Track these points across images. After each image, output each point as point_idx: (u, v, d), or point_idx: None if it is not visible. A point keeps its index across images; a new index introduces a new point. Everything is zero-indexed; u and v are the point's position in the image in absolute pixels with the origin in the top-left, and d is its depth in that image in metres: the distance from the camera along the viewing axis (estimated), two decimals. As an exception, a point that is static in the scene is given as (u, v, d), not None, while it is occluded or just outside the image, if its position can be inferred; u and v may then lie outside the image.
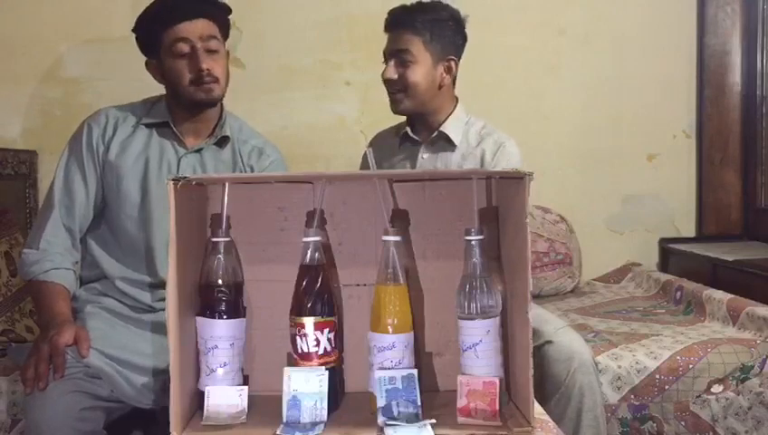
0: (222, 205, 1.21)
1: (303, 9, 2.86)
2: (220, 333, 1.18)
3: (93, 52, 2.74)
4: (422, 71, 1.83)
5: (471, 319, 1.15)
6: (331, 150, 2.84)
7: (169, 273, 1.09)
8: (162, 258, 1.66)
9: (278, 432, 1.09)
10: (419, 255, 1.29)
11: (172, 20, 1.64)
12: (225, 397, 1.16)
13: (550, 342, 1.73)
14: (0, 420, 1.77)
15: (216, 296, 1.19)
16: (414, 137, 1.94)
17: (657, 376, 1.90)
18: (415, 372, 1.14)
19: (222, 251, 1.19)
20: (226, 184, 1.21)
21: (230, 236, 1.21)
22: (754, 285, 2.35)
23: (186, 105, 1.71)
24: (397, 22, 1.84)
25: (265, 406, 1.18)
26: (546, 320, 1.83)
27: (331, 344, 1.19)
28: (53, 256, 1.64)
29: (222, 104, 1.77)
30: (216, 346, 1.17)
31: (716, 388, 1.91)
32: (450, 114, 1.92)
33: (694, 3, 2.98)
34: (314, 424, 1.11)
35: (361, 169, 2.06)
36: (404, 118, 1.98)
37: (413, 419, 1.10)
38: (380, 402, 1.11)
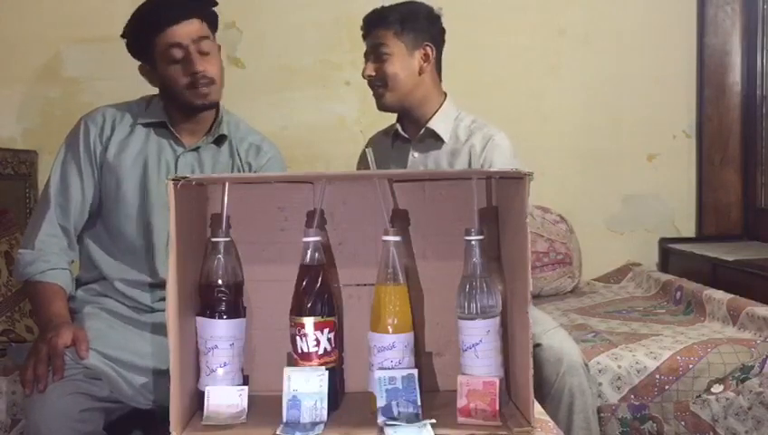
0: (222, 205, 1.21)
1: (303, 9, 2.86)
2: (220, 333, 1.18)
3: (93, 52, 2.74)
4: (398, 61, 1.85)
5: (471, 319, 1.15)
6: (331, 150, 2.84)
7: (169, 273, 1.09)
8: (162, 258, 1.66)
9: (278, 432, 1.09)
10: (419, 255, 1.29)
11: (162, 24, 1.63)
12: (225, 397, 1.16)
13: (539, 345, 1.72)
14: (0, 419, 1.77)
15: (216, 296, 1.19)
16: (403, 134, 1.94)
17: (657, 376, 1.90)
18: (415, 371, 1.14)
19: (222, 251, 1.19)
20: (226, 184, 1.21)
21: (230, 236, 1.21)
22: (754, 285, 2.35)
23: (183, 109, 1.70)
24: (369, 23, 1.90)
25: (265, 406, 1.18)
26: (537, 321, 1.81)
27: (331, 344, 1.19)
28: (49, 255, 1.63)
29: (219, 102, 1.77)
30: (216, 346, 1.17)
31: (716, 388, 1.91)
32: (437, 109, 1.91)
33: (694, 3, 2.98)
34: (314, 424, 1.11)
35: (358, 168, 2.07)
36: (385, 120, 2.00)
37: (413, 419, 1.10)
38: (380, 402, 1.11)
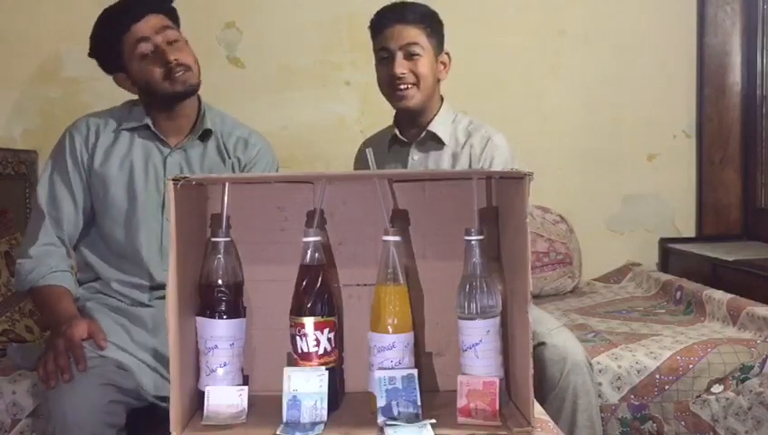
0: (222, 205, 1.21)
1: (303, 9, 2.86)
2: (220, 333, 1.18)
3: (93, 52, 2.74)
4: (428, 63, 1.82)
5: (471, 319, 1.15)
6: (331, 150, 2.83)
7: (169, 273, 1.09)
8: (152, 262, 1.68)
9: (278, 432, 1.09)
10: (419, 255, 1.29)
11: (125, 24, 1.65)
12: (225, 397, 1.16)
13: (543, 343, 1.73)
14: (0, 419, 1.77)
15: (216, 296, 1.19)
16: (402, 138, 1.92)
17: (657, 376, 1.90)
18: (415, 371, 1.14)
19: (222, 251, 1.19)
20: (226, 184, 1.21)
21: (230, 236, 1.21)
22: (754, 285, 2.35)
23: (162, 104, 1.70)
24: (400, 17, 1.83)
25: (265, 406, 1.18)
26: (540, 320, 1.82)
27: (331, 344, 1.19)
28: (49, 261, 1.64)
29: (199, 98, 1.77)
30: (216, 346, 1.17)
31: (716, 388, 1.91)
32: (437, 113, 1.90)
33: (694, 3, 2.98)
34: (314, 424, 1.11)
35: (355, 167, 2.06)
36: (386, 120, 1.98)
37: (413, 419, 1.10)
38: (380, 402, 1.11)
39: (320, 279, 1.18)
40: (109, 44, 1.68)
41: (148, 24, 1.65)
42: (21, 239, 2.28)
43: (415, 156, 1.91)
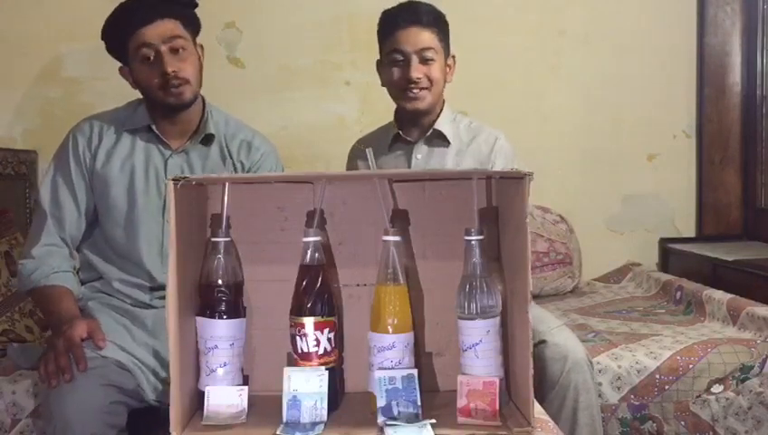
0: (222, 205, 1.21)
1: (303, 9, 2.86)
2: (220, 333, 1.18)
3: (93, 52, 2.73)
4: (441, 67, 1.84)
5: (471, 319, 1.15)
6: (331, 150, 2.83)
7: (169, 273, 1.09)
8: (152, 264, 1.68)
9: (278, 432, 1.09)
10: (419, 255, 1.29)
11: (133, 26, 1.63)
12: (225, 397, 1.16)
13: (544, 341, 1.73)
14: (0, 419, 1.77)
15: (216, 296, 1.19)
16: (406, 138, 1.93)
17: (657, 376, 1.90)
18: (415, 371, 1.14)
19: (222, 251, 1.19)
20: (226, 184, 1.21)
21: (230, 236, 1.21)
22: (754, 285, 2.35)
23: (162, 109, 1.70)
24: (415, 19, 1.82)
25: (265, 406, 1.18)
26: (541, 319, 1.83)
27: (331, 344, 1.19)
28: (51, 261, 1.64)
29: (203, 99, 1.76)
30: (216, 346, 1.18)
31: (716, 388, 1.91)
32: (440, 112, 1.92)
33: (694, 3, 2.98)
34: (314, 424, 1.11)
35: (348, 166, 2.05)
36: (386, 120, 1.99)
37: (413, 419, 1.10)
38: (380, 402, 1.11)
39: (320, 279, 1.18)
40: (117, 38, 1.67)
41: (156, 31, 1.63)
42: (21, 239, 2.28)
43: (419, 155, 1.92)
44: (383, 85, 1.91)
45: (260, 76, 2.84)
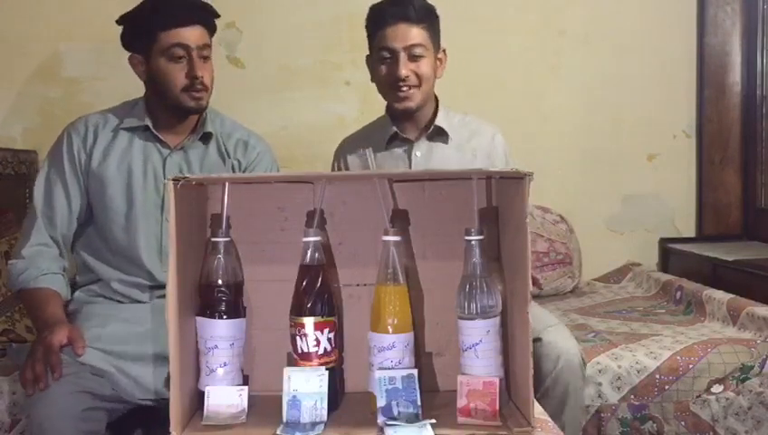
0: (222, 205, 1.21)
1: (303, 9, 2.86)
2: (220, 333, 1.18)
3: (93, 52, 2.74)
4: (430, 63, 1.81)
5: (471, 319, 1.15)
6: (331, 150, 2.82)
7: (169, 273, 1.09)
8: (151, 263, 1.68)
9: (278, 432, 1.09)
10: (419, 255, 1.29)
11: (170, 23, 1.63)
12: (225, 397, 1.16)
13: (539, 339, 1.72)
14: (0, 419, 1.77)
15: (216, 296, 1.19)
16: (405, 136, 1.90)
17: (657, 376, 1.90)
18: (415, 371, 1.14)
19: (222, 251, 1.19)
20: (226, 184, 1.21)
21: (230, 236, 1.21)
22: (754, 285, 2.35)
23: (170, 108, 1.70)
24: (403, 15, 1.78)
25: (265, 406, 1.18)
26: (539, 317, 1.81)
27: (331, 344, 1.19)
28: (40, 263, 1.64)
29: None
30: (216, 346, 1.18)
31: (716, 388, 1.91)
32: (436, 108, 1.89)
33: (694, 3, 2.98)
34: (314, 424, 1.11)
35: (334, 163, 2.04)
36: (372, 119, 1.98)
37: (413, 419, 1.10)
38: (380, 402, 1.11)
39: (320, 279, 1.18)
40: (146, 28, 1.66)
41: (194, 34, 1.65)
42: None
43: (418, 152, 1.90)
44: (372, 81, 1.88)
45: (260, 76, 2.84)
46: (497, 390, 1.12)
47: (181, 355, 1.12)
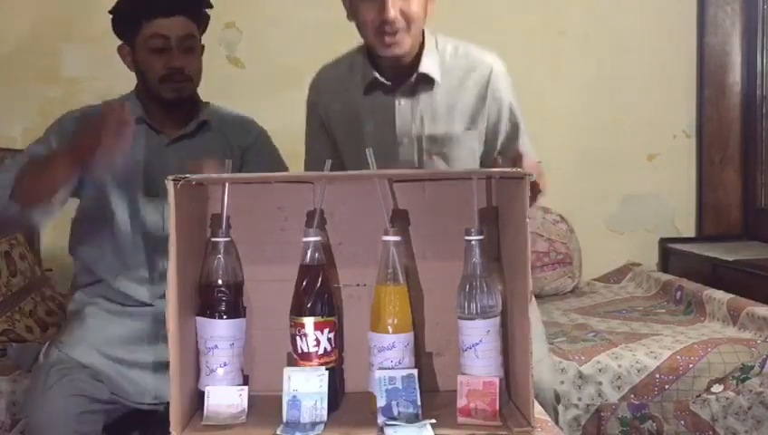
0: (222, 205, 1.21)
1: (303, 9, 2.86)
2: (220, 333, 1.18)
3: (93, 52, 2.74)
4: (420, 1, 1.56)
5: (471, 319, 1.15)
6: (330, 150, 2.83)
7: (169, 273, 1.09)
8: (152, 257, 1.66)
9: (278, 432, 1.09)
10: (419, 255, 1.29)
11: (153, 13, 1.62)
12: (225, 397, 1.16)
13: None
14: (0, 419, 1.77)
15: (216, 296, 1.19)
16: (385, 82, 1.66)
17: (657, 376, 1.91)
18: (415, 371, 1.14)
19: (222, 251, 1.19)
20: (226, 184, 1.21)
21: (230, 236, 1.21)
22: (754, 285, 2.35)
23: (154, 99, 1.69)
24: None
25: (265, 406, 1.17)
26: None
27: (331, 344, 1.18)
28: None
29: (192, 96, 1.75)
30: (216, 346, 1.17)
31: (716, 388, 1.91)
32: (421, 46, 1.64)
33: (694, 3, 2.99)
34: (314, 424, 1.11)
35: (310, 95, 1.90)
36: (344, 50, 1.78)
37: (413, 419, 1.10)
38: (380, 402, 1.11)
39: (320, 279, 1.18)
40: (130, 18, 1.65)
41: (174, 25, 1.63)
42: (21, 239, 2.28)
43: (401, 100, 1.68)
44: (350, 20, 1.65)
45: (260, 76, 2.84)
46: (497, 390, 1.12)
47: (181, 355, 1.12)
